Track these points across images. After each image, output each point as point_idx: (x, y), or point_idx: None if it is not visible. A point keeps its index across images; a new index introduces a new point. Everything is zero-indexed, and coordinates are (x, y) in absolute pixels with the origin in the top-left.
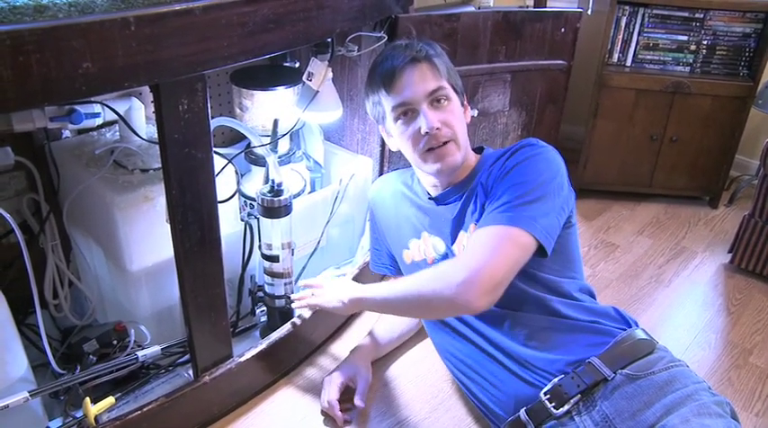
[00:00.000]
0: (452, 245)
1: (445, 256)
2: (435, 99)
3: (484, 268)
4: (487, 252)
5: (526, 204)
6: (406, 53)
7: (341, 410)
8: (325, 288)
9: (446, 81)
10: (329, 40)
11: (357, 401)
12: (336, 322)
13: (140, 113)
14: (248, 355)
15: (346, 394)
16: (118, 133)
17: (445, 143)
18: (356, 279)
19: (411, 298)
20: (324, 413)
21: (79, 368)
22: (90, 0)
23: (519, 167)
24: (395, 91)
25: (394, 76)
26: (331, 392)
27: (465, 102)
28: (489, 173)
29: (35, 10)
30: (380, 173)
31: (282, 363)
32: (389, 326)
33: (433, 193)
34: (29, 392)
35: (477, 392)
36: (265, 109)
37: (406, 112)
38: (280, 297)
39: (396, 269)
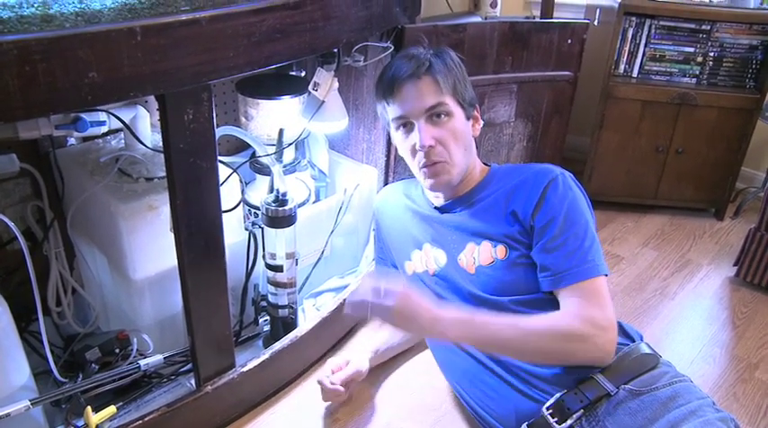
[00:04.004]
0: (458, 255)
1: (446, 269)
2: (434, 114)
3: (611, 326)
4: (603, 308)
5: (592, 249)
6: (410, 64)
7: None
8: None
9: (449, 96)
10: (335, 50)
11: (335, 378)
12: (338, 333)
13: (145, 122)
14: (251, 365)
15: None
16: (123, 141)
17: (437, 163)
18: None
19: (542, 351)
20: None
21: (81, 376)
22: (96, 10)
23: (569, 211)
24: (395, 103)
25: (393, 88)
26: (324, 371)
27: (476, 113)
28: (519, 200)
29: (42, 19)
30: (386, 183)
31: (285, 373)
32: (389, 334)
33: (437, 203)
34: (30, 400)
35: (478, 407)
36: (271, 118)
37: (406, 124)
38: (283, 306)
39: None
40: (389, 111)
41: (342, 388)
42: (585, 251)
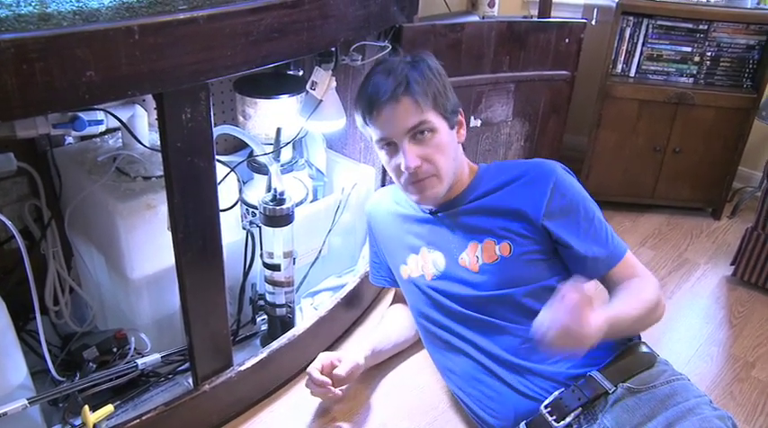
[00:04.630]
0: (459, 255)
1: (446, 272)
2: (418, 132)
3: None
4: (648, 275)
5: (611, 229)
6: (387, 83)
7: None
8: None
9: (430, 111)
10: (333, 49)
11: (336, 371)
12: (336, 332)
13: (143, 121)
14: (248, 364)
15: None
16: (120, 140)
17: (425, 178)
18: (357, 288)
19: (644, 320)
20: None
21: (79, 375)
22: (94, 8)
23: (583, 202)
24: (376, 125)
25: (373, 111)
26: (314, 363)
27: (460, 118)
28: (523, 198)
29: (40, 18)
30: (383, 183)
31: (282, 372)
32: (385, 334)
33: (427, 208)
34: (27, 399)
35: (476, 406)
36: (268, 117)
37: (389, 144)
38: (281, 305)
39: (394, 281)
40: (371, 131)
41: (329, 380)
42: (609, 232)
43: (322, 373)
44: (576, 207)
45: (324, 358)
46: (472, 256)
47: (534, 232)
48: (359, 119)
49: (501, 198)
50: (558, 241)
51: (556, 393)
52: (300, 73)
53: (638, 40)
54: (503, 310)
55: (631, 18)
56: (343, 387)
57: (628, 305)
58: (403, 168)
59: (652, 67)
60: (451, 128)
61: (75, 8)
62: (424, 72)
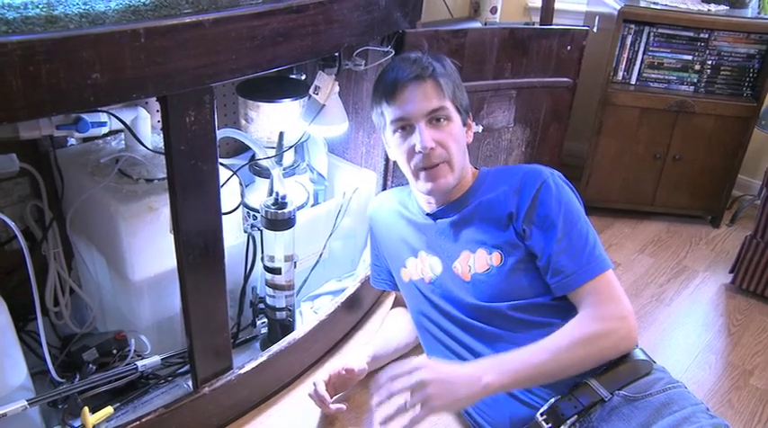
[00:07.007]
0: (453, 263)
1: (442, 277)
2: (435, 118)
3: (629, 314)
4: (618, 299)
5: (596, 245)
6: (412, 68)
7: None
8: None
9: (449, 101)
10: (337, 53)
11: (347, 367)
12: (336, 336)
13: (146, 123)
14: (248, 367)
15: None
16: (123, 142)
17: (438, 164)
18: (357, 292)
19: (576, 361)
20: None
21: (78, 376)
22: (101, 11)
23: (566, 212)
24: (396, 104)
25: (396, 90)
26: (319, 375)
27: (469, 120)
28: (511, 205)
29: (46, 20)
30: (384, 187)
31: (282, 376)
32: (386, 339)
33: (428, 210)
34: (27, 400)
35: (473, 411)
36: (271, 121)
37: (405, 127)
38: (281, 309)
39: (395, 285)
40: (388, 112)
41: (328, 397)
42: (591, 248)
43: (328, 383)
44: (554, 218)
45: (331, 369)
46: (465, 265)
47: (521, 240)
48: (376, 103)
49: (496, 205)
50: (530, 250)
51: (552, 400)
52: (303, 77)
53: (639, 47)
54: (497, 320)
55: (633, 26)
56: (340, 405)
57: (534, 345)
58: (418, 148)
59: (653, 75)
60: (463, 124)
61: (81, 11)
62: (446, 66)
